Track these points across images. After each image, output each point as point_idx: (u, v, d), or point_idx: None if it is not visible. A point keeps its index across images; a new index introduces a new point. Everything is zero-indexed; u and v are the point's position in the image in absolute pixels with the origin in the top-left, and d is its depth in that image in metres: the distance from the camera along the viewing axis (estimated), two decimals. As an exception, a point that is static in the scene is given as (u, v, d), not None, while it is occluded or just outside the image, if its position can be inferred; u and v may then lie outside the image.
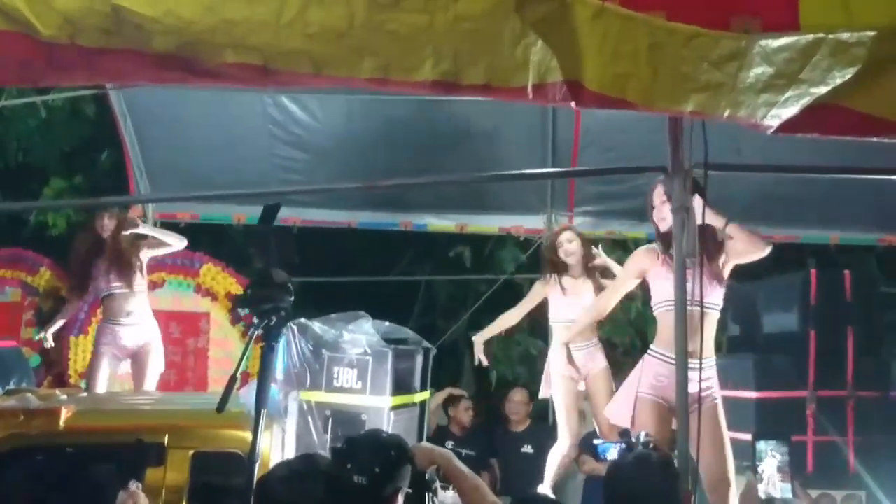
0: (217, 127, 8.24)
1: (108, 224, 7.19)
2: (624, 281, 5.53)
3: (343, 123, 8.34)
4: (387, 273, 11.21)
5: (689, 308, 4.38)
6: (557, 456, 6.68)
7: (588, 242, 6.89)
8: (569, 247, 6.72)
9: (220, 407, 3.70)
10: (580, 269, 6.74)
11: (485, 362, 7.13)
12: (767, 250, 4.94)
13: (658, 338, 5.10)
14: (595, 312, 5.96)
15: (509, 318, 7.12)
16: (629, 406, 5.04)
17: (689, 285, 4.31)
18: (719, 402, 5.00)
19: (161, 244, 7.27)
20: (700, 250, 4.40)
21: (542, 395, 6.96)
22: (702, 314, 4.52)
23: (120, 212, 7.29)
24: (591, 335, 6.72)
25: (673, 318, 4.41)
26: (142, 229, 7.26)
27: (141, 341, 7.14)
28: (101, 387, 6.95)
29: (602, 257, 6.80)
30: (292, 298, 3.78)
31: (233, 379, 3.85)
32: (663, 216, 4.96)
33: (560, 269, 6.75)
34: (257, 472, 3.67)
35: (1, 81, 5.61)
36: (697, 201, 4.33)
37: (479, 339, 7.07)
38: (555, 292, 6.79)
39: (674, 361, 4.36)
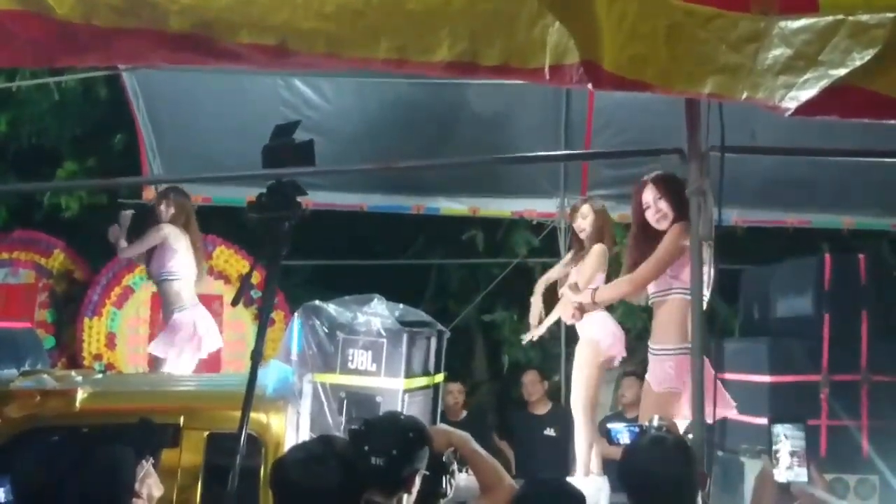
0: (229, 109, 8.23)
1: (164, 211, 7.16)
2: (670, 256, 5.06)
3: (355, 106, 8.34)
4: (399, 256, 11.21)
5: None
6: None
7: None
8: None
9: (235, 300, 3.85)
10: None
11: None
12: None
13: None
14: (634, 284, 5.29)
15: None
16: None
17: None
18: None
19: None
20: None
21: None
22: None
23: (176, 196, 7.24)
24: None
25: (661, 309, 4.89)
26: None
27: (192, 327, 7.13)
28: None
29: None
30: (300, 211, 3.83)
31: (248, 276, 3.96)
32: (663, 213, 4.99)
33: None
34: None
35: (15, 62, 5.58)
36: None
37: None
38: None
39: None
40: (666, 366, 4.91)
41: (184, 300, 7.14)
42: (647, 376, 5.17)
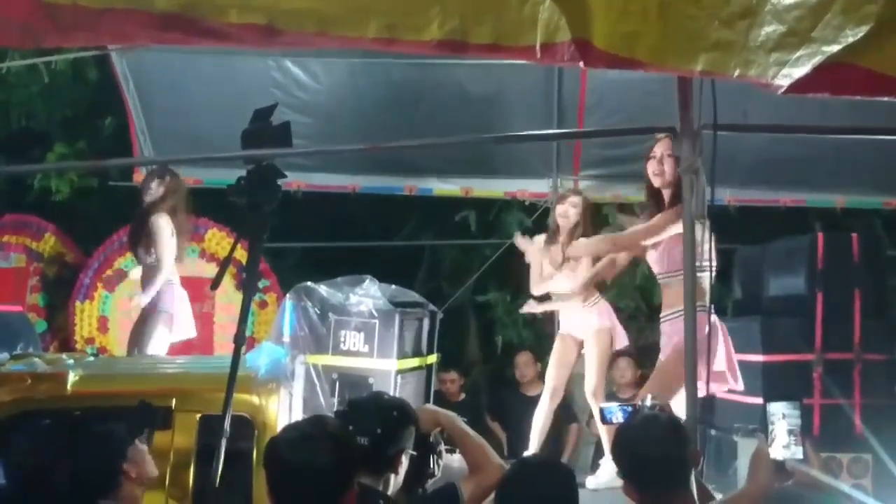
0: (220, 91, 8.18)
1: (153, 189, 6.93)
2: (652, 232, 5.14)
3: (347, 87, 8.30)
4: (391, 238, 11.19)
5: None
6: (540, 413, 6.52)
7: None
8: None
9: (214, 285, 3.85)
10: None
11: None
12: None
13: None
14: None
15: None
16: None
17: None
18: None
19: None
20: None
21: None
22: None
23: (171, 179, 7.07)
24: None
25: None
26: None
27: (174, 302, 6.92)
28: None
29: None
30: (281, 194, 3.84)
31: (227, 259, 3.95)
32: (662, 170, 5.01)
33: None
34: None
35: (2, 43, 5.55)
36: None
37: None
38: None
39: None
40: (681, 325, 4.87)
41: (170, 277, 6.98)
42: (660, 356, 5.13)
